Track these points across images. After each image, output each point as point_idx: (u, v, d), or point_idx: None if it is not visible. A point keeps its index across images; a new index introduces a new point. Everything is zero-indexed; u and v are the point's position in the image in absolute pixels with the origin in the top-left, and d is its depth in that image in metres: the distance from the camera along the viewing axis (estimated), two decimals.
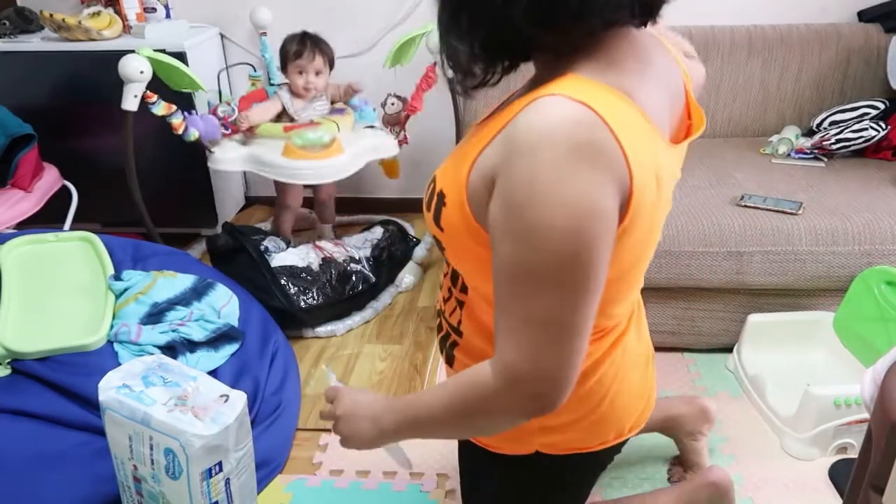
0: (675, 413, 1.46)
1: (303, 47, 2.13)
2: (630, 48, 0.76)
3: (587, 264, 0.69)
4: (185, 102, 2.11)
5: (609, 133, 0.67)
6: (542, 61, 0.78)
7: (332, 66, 2.22)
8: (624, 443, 1.04)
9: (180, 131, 1.97)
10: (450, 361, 0.99)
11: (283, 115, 2.21)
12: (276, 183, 2.27)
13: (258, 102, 2.23)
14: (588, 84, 0.70)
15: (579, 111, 0.67)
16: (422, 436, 0.85)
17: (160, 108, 1.91)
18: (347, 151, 2.06)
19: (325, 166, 2.02)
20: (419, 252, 2.32)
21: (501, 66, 0.76)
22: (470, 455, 1.07)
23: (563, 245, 0.67)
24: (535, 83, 0.76)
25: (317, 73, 2.16)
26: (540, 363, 0.72)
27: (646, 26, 0.77)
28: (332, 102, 2.28)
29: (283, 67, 2.19)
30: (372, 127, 2.26)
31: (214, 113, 2.09)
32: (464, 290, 0.92)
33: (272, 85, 2.39)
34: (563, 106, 0.67)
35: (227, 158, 2.08)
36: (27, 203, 2.04)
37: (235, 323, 1.67)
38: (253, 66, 2.44)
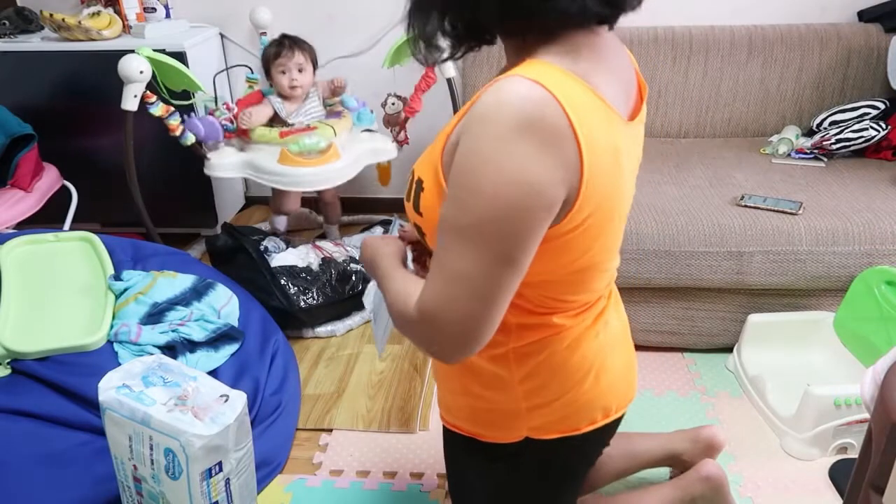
0: (677, 450, 1.42)
1: (280, 47, 2.13)
2: (587, 41, 0.79)
3: (511, 234, 0.73)
4: (185, 107, 2.11)
5: (560, 111, 0.71)
6: (510, 45, 0.83)
7: (315, 64, 2.21)
8: (611, 429, 1.04)
9: (177, 133, 1.96)
10: None
11: (276, 121, 2.19)
12: (273, 188, 2.27)
13: (255, 105, 2.23)
14: (546, 66, 0.74)
15: (533, 89, 0.71)
16: (381, 290, 0.93)
17: (158, 108, 1.91)
18: (345, 156, 2.05)
19: (323, 172, 2.01)
20: None
21: (467, 45, 0.83)
22: (458, 447, 1.07)
23: (490, 211, 0.72)
24: (504, 69, 0.82)
25: (300, 70, 2.15)
26: (442, 311, 0.77)
27: (609, 28, 0.82)
28: (325, 101, 2.28)
29: (267, 73, 2.19)
30: (370, 130, 2.26)
31: (212, 115, 2.09)
32: None
33: (271, 86, 2.39)
34: (517, 83, 0.71)
35: (224, 164, 2.07)
36: (27, 203, 2.04)
37: (235, 323, 1.67)
38: (250, 68, 2.44)
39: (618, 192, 0.81)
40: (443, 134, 0.82)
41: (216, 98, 2.18)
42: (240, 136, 2.15)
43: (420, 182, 0.85)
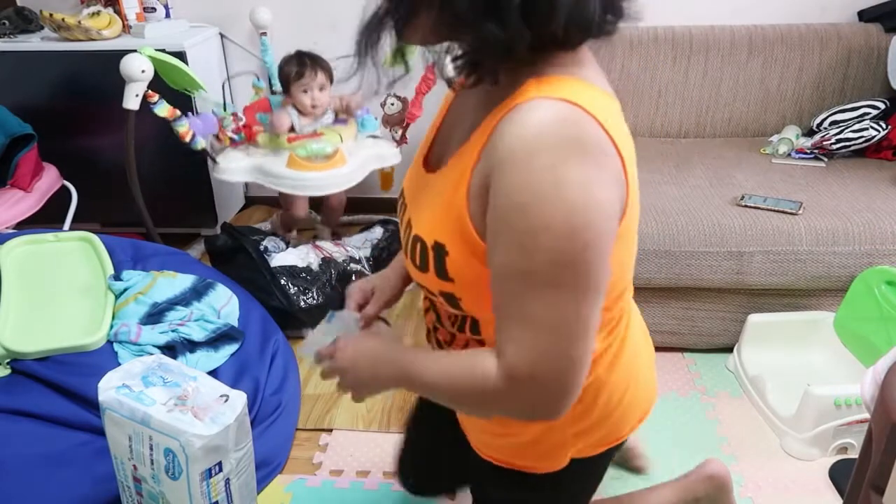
0: (698, 494, 1.36)
1: (303, 67, 2.14)
2: (585, 49, 0.76)
3: (588, 262, 0.68)
4: (184, 106, 2.11)
5: (597, 125, 0.68)
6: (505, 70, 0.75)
7: (332, 80, 2.22)
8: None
9: (188, 139, 1.97)
10: None
11: (291, 129, 2.22)
12: (281, 193, 2.27)
13: (262, 113, 2.24)
14: (558, 81, 0.70)
15: (563, 108, 0.67)
16: (411, 389, 0.85)
17: (162, 108, 1.91)
18: (351, 161, 2.09)
19: (329, 177, 2.04)
20: None
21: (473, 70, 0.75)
22: (498, 479, 1.01)
23: (565, 246, 0.66)
24: (493, 94, 0.75)
25: (321, 89, 2.17)
26: (541, 367, 0.70)
27: None
28: (336, 114, 2.29)
29: (286, 89, 2.19)
30: (374, 136, 2.28)
31: (222, 131, 2.10)
32: (477, 332, 0.88)
33: (274, 94, 2.39)
34: (544, 106, 0.67)
35: (232, 168, 2.10)
36: (27, 203, 2.04)
37: (235, 323, 1.67)
38: (256, 76, 2.44)
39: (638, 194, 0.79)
40: (453, 183, 0.75)
41: (225, 105, 2.19)
42: (248, 141, 2.16)
43: (439, 247, 0.77)
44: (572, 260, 0.67)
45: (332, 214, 2.47)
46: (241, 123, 2.13)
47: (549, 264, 0.67)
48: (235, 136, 2.13)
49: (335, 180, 2.05)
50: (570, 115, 0.67)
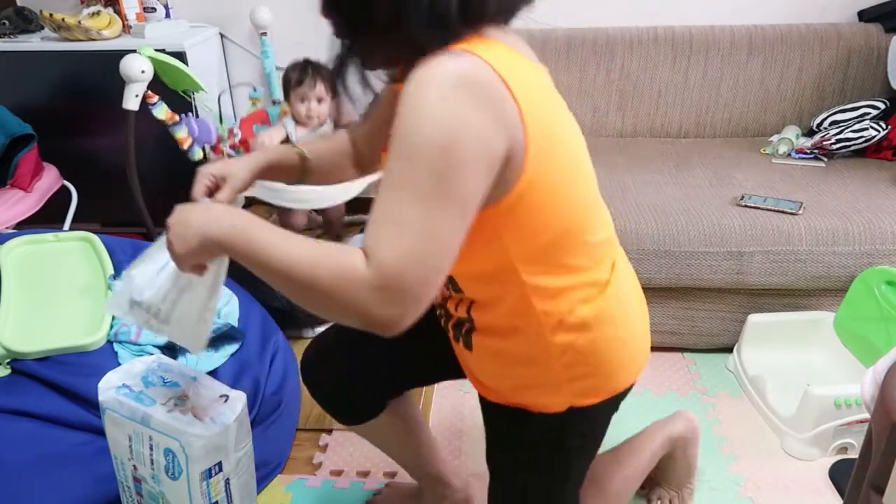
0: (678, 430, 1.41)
1: (304, 75, 2.11)
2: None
3: (456, 181, 0.75)
4: (184, 108, 2.11)
5: (492, 71, 0.76)
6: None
7: (335, 92, 2.21)
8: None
9: (185, 146, 1.96)
10: (468, 346, 1.01)
11: (285, 142, 2.20)
12: (279, 207, 2.26)
13: (259, 125, 2.23)
14: (468, 42, 0.79)
15: (462, 55, 0.76)
16: (250, 265, 0.83)
17: (160, 111, 1.91)
18: None
19: (327, 190, 2.00)
20: None
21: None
22: (503, 420, 1.05)
23: (435, 160, 0.74)
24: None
25: (319, 101, 2.14)
26: (411, 269, 0.74)
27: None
28: (335, 124, 2.28)
29: (286, 95, 2.18)
30: None
31: (218, 147, 2.09)
32: (458, 289, 0.96)
33: (275, 104, 2.38)
34: (446, 56, 0.76)
35: None
36: (27, 203, 2.04)
37: (235, 323, 1.66)
38: (254, 87, 2.44)
39: (569, 136, 0.87)
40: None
41: (221, 118, 2.18)
42: (245, 154, 2.15)
43: None
44: (444, 176, 0.74)
45: (334, 225, 2.46)
46: (237, 139, 2.12)
47: (427, 178, 0.74)
48: (232, 152, 2.12)
49: (333, 193, 2.02)
50: (466, 60, 0.76)
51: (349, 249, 0.77)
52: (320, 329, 2.02)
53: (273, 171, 1.09)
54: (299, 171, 1.12)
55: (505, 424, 1.06)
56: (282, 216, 2.39)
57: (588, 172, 0.92)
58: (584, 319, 0.93)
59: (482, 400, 1.09)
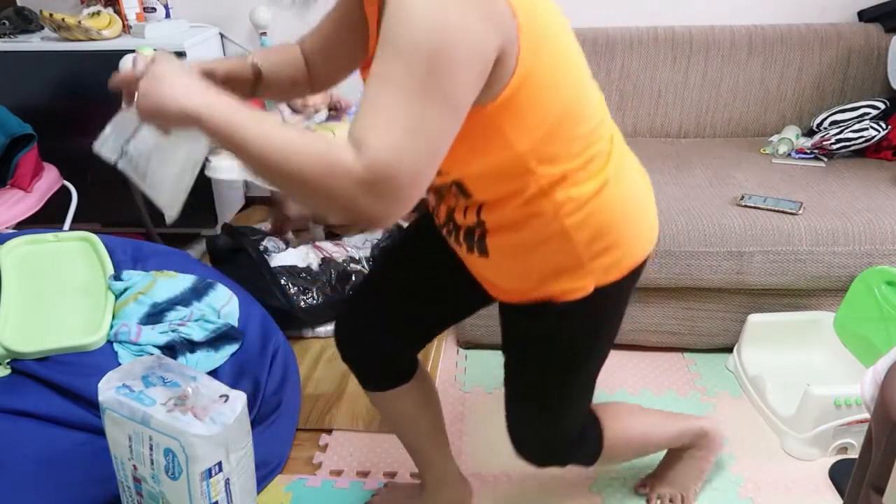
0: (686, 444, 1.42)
1: None
2: None
3: (447, 82, 0.74)
4: None
5: None
6: None
7: None
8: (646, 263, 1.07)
9: None
10: (484, 252, 1.01)
11: None
12: (274, 192, 2.25)
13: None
14: None
15: None
16: (227, 144, 0.78)
17: None
18: None
19: None
20: None
21: None
22: (532, 320, 1.06)
23: (426, 61, 0.73)
24: None
25: None
26: (402, 163, 0.74)
27: None
28: (330, 110, 2.28)
29: None
30: None
31: None
32: (467, 194, 0.97)
33: None
34: None
35: (226, 167, 2.08)
36: (27, 203, 2.04)
37: (235, 323, 1.66)
38: None
39: (556, 23, 0.86)
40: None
41: None
42: None
43: None
44: (435, 77, 0.74)
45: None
46: None
47: (418, 77, 0.74)
48: None
49: None
50: None
51: (335, 140, 0.75)
52: (320, 329, 2.02)
53: (228, 83, 1.00)
54: (253, 84, 1.08)
55: (532, 326, 1.06)
56: (275, 203, 2.37)
57: (578, 55, 0.92)
58: (595, 193, 0.95)
59: (506, 309, 1.10)
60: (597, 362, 1.13)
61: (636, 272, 1.04)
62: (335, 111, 2.27)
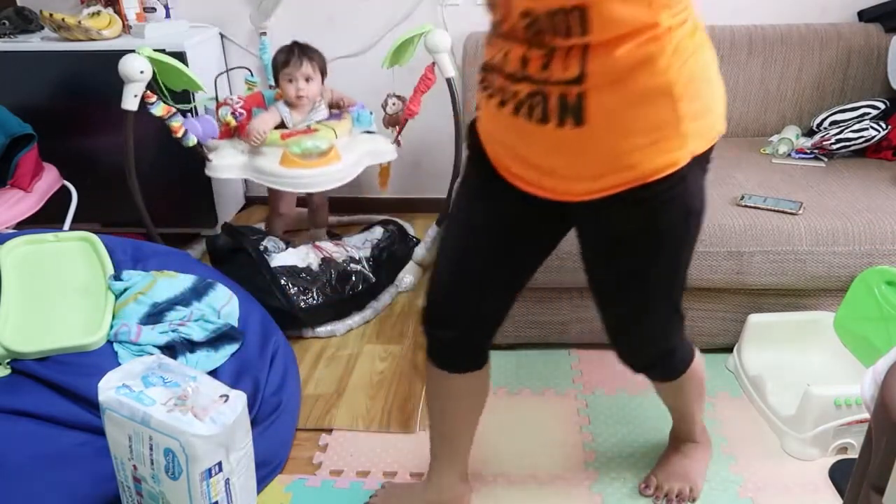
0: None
1: (290, 55, 2.11)
2: None
3: None
4: (184, 105, 2.11)
5: None
6: None
7: (324, 73, 2.19)
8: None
9: (179, 134, 1.96)
10: (579, 119, 0.94)
11: (280, 126, 2.19)
12: (270, 190, 2.26)
13: (256, 108, 2.23)
14: None
15: None
16: None
17: (159, 109, 1.91)
18: (345, 158, 2.06)
19: (323, 174, 2.02)
20: (419, 252, 2.32)
21: None
22: (625, 215, 1.04)
23: None
24: None
25: (307, 80, 2.13)
26: None
27: None
28: (331, 108, 2.27)
29: (276, 80, 2.18)
30: (369, 132, 2.26)
31: (217, 112, 2.09)
32: (584, 26, 0.88)
33: (272, 88, 2.39)
34: None
35: (225, 166, 2.08)
36: (27, 203, 2.04)
37: (235, 323, 1.66)
38: (250, 70, 2.44)
39: None
40: None
41: (217, 99, 2.18)
42: (242, 135, 2.14)
43: None
44: None
45: (318, 213, 2.46)
46: (237, 106, 2.11)
47: None
48: (234, 117, 2.10)
49: (329, 177, 2.03)
50: None
51: None
52: (320, 329, 2.02)
53: None
54: None
55: (628, 219, 1.04)
56: (271, 203, 2.38)
57: None
58: (694, 52, 0.95)
59: (593, 215, 1.06)
60: (694, 245, 1.13)
61: (710, 150, 1.04)
62: (337, 108, 2.26)
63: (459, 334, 1.23)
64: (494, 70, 1.01)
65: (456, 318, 1.22)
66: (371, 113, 2.29)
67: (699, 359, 1.35)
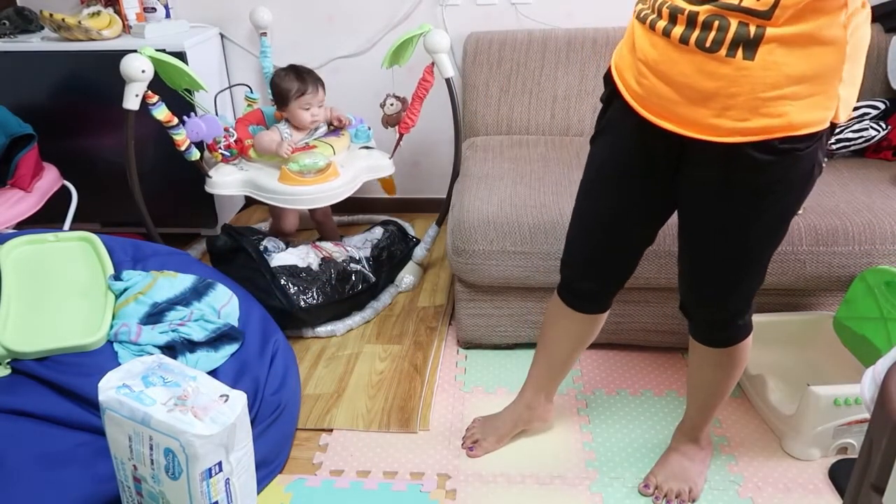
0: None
1: (305, 84, 2.11)
2: None
3: None
4: (184, 110, 2.11)
5: None
6: None
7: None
8: None
9: (183, 148, 1.97)
10: (751, 53, 0.95)
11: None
12: (271, 209, 2.25)
13: (255, 125, 2.23)
14: None
15: None
16: None
17: (160, 111, 1.91)
18: (343, 174, 2.06)
19: (322, 191, 2.02)
20: (419, 252, 2.32)
21: None
22: (768, 163, 1.06)
23: None
24: None
25: (319, 106, 2.16)
26: None
27: None
28: (329, 125, 2.27)
29: (283, 105, 2.15)
30: (368, 147, 2.26)
31: (213, 146, 2.09)
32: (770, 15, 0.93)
33: (272, 103, 2.38)
34: None
35: (225, 182, 2.08)
36: (27, 203, 2.04)
37: (235, 323, 1.67)
38: (250, 88, 2.44)
39: None
40: None
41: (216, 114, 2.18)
42: (240, 154, 2.15)
43: None
44: None
45: (324, 228, 2.46)
46: (232, 139, 2.11)
47: None
48: (227, 153, 2.11)
49: (327, 194, 2.03)
50: None
51: None
52: (320, 329, 2.03)
53: None
54: None
55: (761, 168, 1.06)
56: (274, 217, 2.39)
57: None
58: (858, 26, 0.98)
59: (727, 155, 1.05)
60: (792, 218, 1.18)
61: (831, 129, 1.07)
62: (334, 127, 2.26)
63: (598, 287, 1.38)
64: None
65: (598, 274, 1.36)
66: (370, 128, 2.28)
67: (750, 342, 1.35)
